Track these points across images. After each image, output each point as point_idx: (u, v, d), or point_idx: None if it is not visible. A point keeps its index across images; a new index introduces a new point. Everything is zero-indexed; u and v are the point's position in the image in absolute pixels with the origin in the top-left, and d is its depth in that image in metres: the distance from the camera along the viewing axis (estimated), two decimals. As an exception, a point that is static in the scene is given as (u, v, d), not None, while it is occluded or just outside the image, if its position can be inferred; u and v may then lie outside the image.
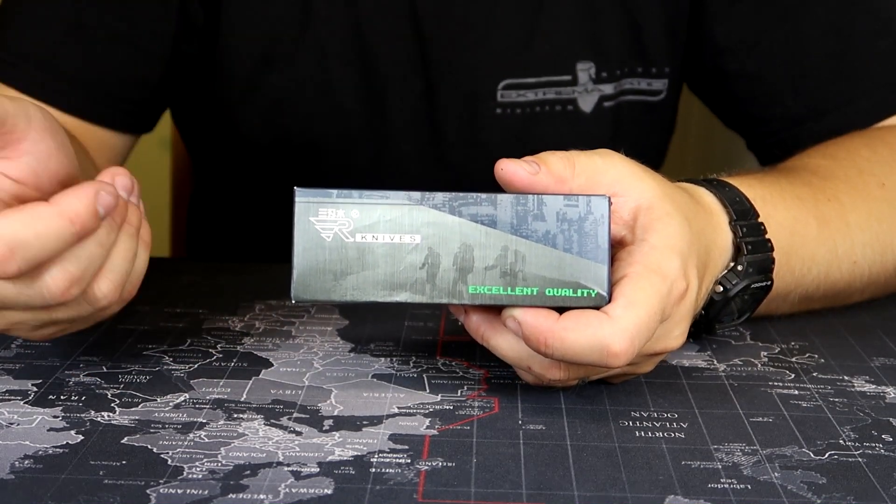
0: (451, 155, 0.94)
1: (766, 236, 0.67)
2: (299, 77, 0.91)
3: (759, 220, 0.67)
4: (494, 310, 0.57)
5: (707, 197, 0.66)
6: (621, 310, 0.55)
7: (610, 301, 0.55)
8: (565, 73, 0.92)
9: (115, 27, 0.85)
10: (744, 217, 0.66)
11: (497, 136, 0.92)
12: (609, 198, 0.56)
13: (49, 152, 0.56)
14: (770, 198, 0.70)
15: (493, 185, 0.57)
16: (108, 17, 0.85)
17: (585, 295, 0.56)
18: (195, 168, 1.11)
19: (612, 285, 0.56)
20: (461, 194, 0.56)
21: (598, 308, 0.55)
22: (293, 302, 0.56)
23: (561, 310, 0.56)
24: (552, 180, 0.57)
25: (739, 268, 0.65)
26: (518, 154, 0.58)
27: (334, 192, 0.56)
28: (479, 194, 0.56)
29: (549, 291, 0.56)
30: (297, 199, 0.56)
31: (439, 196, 0.56)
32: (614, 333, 0.54)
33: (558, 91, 0.92)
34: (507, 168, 0.57)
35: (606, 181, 0.58)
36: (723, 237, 0.65)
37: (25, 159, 0.56)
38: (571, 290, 0.56)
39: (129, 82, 0.87)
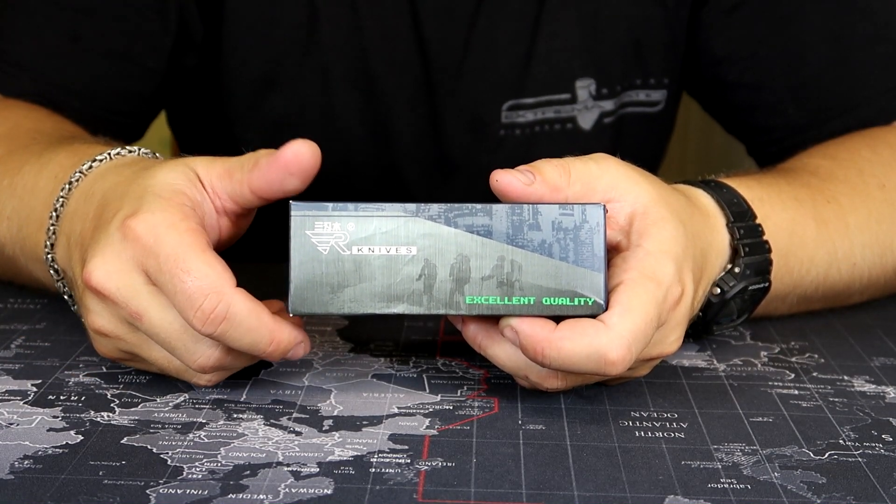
0: (455, 179, 0.94)
1: (764, 238, 0.67)
2: (301, 100, 0.91)
3: (757, 221, 0.67)
4: (492, 319, 0.57)
5: (704, 199, 0.66)
6: (617, 318, 0.55)
7: (607, 309, 0.55)
8: (564, 91, 0.91)
9: (112, 41, 0.85)
10: (741, 219, 0.66)
11: (499, 156, 0.92)
12: (604, 206, 0.56)
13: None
14: (768, 199, 0.70)
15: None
16: (104, 30, 0.85)
17: (582, 303, 0.56)
18: None
19: (608, 293, 0.56)
20: (456, 205, 0.56)
21: (594, 316, 0.55)
22: (290, 315, 0.56)
23: (558, 318, 0.56)
24: (547, 189, 0.57)
25: (737, 270, 0.65)
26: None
27: (330, 205, 0.56)
28: (474, 205, 0.56)
29: (546, 300, 0.56)
30: (292, 212, 0.56)
31: (435, 207, 0.56)
32: (611, 342, 0.54)
33: (557, 110, 0.92)
34: (502, 179, 0.57)
35: (602, 186, 0.58)
36: (720, 239, 0.65)
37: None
38: (568, 299, 0.56)
39: (124, 95, 0.86)
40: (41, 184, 0.67)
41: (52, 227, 0.63)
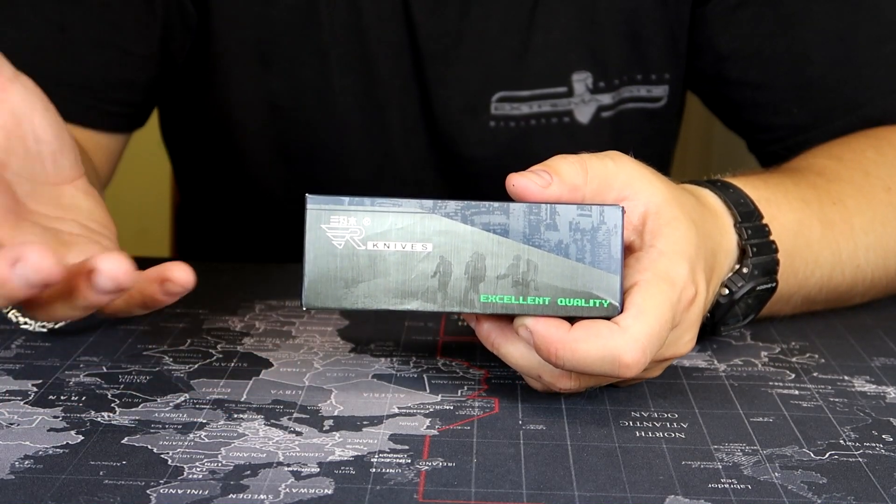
0: (447, 168, 0.94)
1: (771, 238, 0.67)
2: (299, 82, 0.90)
3: (764, 221, 0.67)
4: (506, 318, 0.57)
5: (711, 199, 0.66)
6: (632, 320, 0.54)
7: (622, 311, 0.55)
8: (560, 84, 0.91)
9: (99, 30, 0.85)
10: (748, 219, 0.66)
11: (491, 149, 0.92)
12: (622, 208, 0.56)
13: (34, 107, 0.58)
14: (774, 199, 0.70)
15: (489, 198, 0.57)
16: (91, 20, 0.84)
17: (598, 305, 0.56)
18: (179, 179, 1.10)
19: (623, 295, 0.56)
20: (473, 203, 0.56)
21: (609, 318, 0.55)
22: (304, 309, 0.56)
23: (573, 319, 0.55)
24: (565, 189, 0.57)
25: (745, 270, 0.65)
26: (513, 167, 0.58)
27: (346, 199, 0.56)
28: (491, 203, 0.55)
29: (562, 301, 0.56)
30: (308, 206, 0.56)
31: (451, 204, 0.56)
32: (626, 344, 0.54)
33: (553, 103, 0.91)
34: (518, 183, 0.56)
35: (618, 185, 0.58)
36: (728, 239, 0.65)
37: (7, 106, 0.57)
38: (584, 301, 0.56)
39: (115, 84, 0.86)
40: None
41: None
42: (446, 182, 0.94)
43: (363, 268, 0.55)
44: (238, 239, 1.04)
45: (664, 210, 0.58)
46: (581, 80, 0.91)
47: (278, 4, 0.88)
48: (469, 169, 0.93)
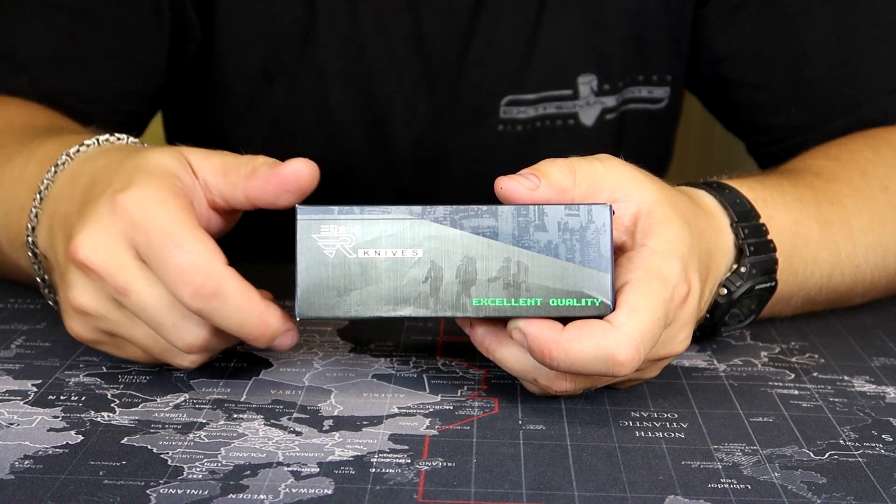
0: (453, 175, 0.94)
1: (769, 237, 0.67)
2: (299, 98, 0.90)
3: (761, 221, 0.67)
4: (500, 322, 0.57)
5: (707, 200, 0.66)
6: (625, 317, 0.54)
7: (614, 309, 0.55)
8: (566, 87, 0.91)
9: (110, 42, 0.85)
10: (745, 219, 0.66)
11: (498, 153, 0.92)
12: (610, 206, 0.56)
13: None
14: (771, 199, 0.70)
15: (495, 203, 0.57)
16: (102, 32, 0.84)
17: (589, 304, 0.56)
18: None
19: (615, 293, 0.56)
20: (462, 207, 0.56)
21: (602, 317, 0.55)
22: (298, 320, 0.56)
23: (566, 320, 0.55)
24: (554, 192, 0.57)
25: (742, 269, 0.65)
26: (519, 171, 0.58)
27: (335, 208, 0.56)
28: (479, 206, 0.56)
29: (553, 302, 0.56)
30: (298, 216, 0.56)
31: (440, 209, 0.56)
32: (619, 342, 0.54)
33: (559, 106, 0.91)
34: (507, 186, 0.57)
35: (608, 186, 0.58)
36: (724, 239, 0.65)
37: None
38: (575, 300, 0.56)
39: (123, 95, 0.86)
40: (28, 171, 0.66)
41: (34, 210, 0.63)
42: (450, 190, 0.94)
43: (355, 276, 0.56)
44: (237, 245, 1.04)
45: (656, 210, 0.58)
46: (586, 83, 0.91)
47: (280, 20, 0.88)
48: (475, 175, 0.93)
